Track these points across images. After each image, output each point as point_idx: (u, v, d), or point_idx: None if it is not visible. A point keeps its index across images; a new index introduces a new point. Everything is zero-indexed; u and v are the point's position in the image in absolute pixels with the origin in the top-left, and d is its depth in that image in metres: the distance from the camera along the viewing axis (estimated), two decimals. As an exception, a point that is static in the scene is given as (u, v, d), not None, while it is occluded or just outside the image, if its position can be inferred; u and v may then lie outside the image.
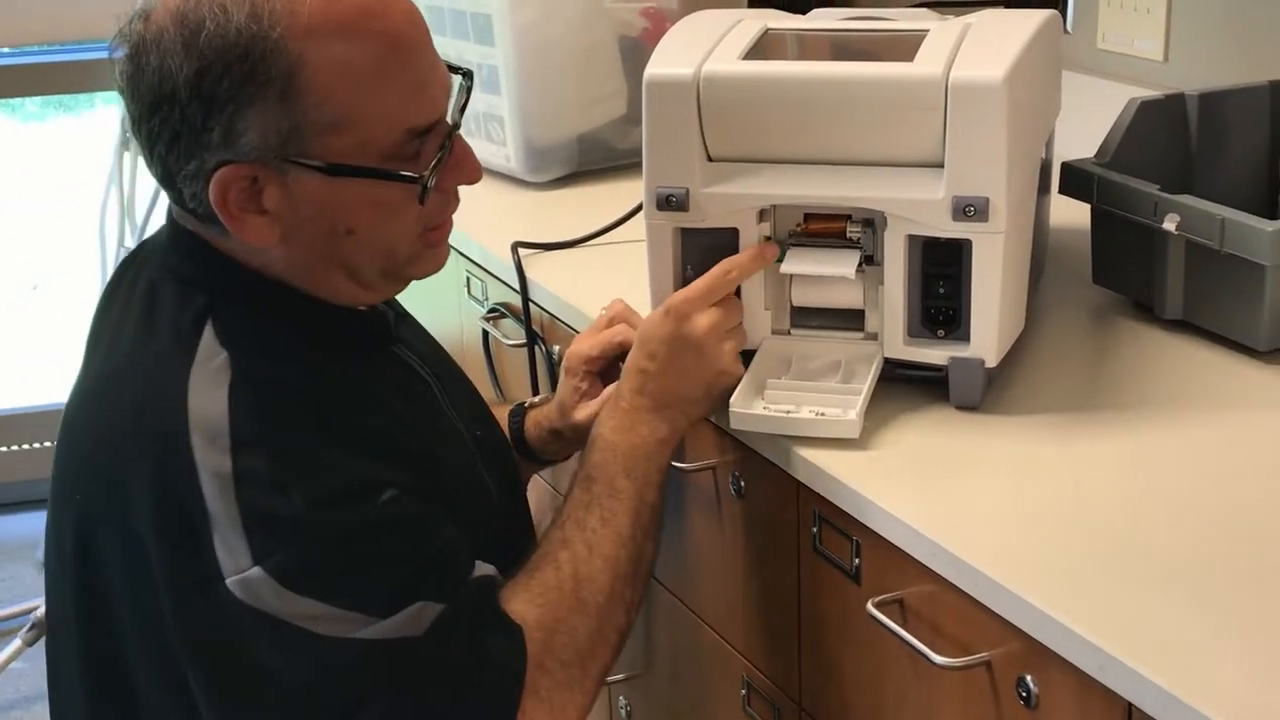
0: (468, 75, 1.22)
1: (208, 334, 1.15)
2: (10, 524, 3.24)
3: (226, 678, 1.12)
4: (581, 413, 1.42)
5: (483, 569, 1.19)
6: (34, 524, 3.17)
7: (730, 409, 1.29)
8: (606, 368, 1.42)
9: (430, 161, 1.16)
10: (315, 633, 1.09)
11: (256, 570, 1.08)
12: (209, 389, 1.12)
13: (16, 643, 2.70)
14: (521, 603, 1.18)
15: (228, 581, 1.08)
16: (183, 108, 1.10)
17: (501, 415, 1.52)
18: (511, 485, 1.40)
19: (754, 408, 1.29)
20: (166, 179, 1.16)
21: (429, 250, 1.23)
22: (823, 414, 1.27)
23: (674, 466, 1.45)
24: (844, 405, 1.27)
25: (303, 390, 1.16)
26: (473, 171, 1.21)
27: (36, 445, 3.26)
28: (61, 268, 3.48)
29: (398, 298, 1.40)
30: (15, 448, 3.28)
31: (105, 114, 3.31)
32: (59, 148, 3.57)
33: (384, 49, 1.13)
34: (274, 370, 1.15)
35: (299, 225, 1.15)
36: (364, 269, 1.19)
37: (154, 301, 1.19)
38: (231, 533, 1.09)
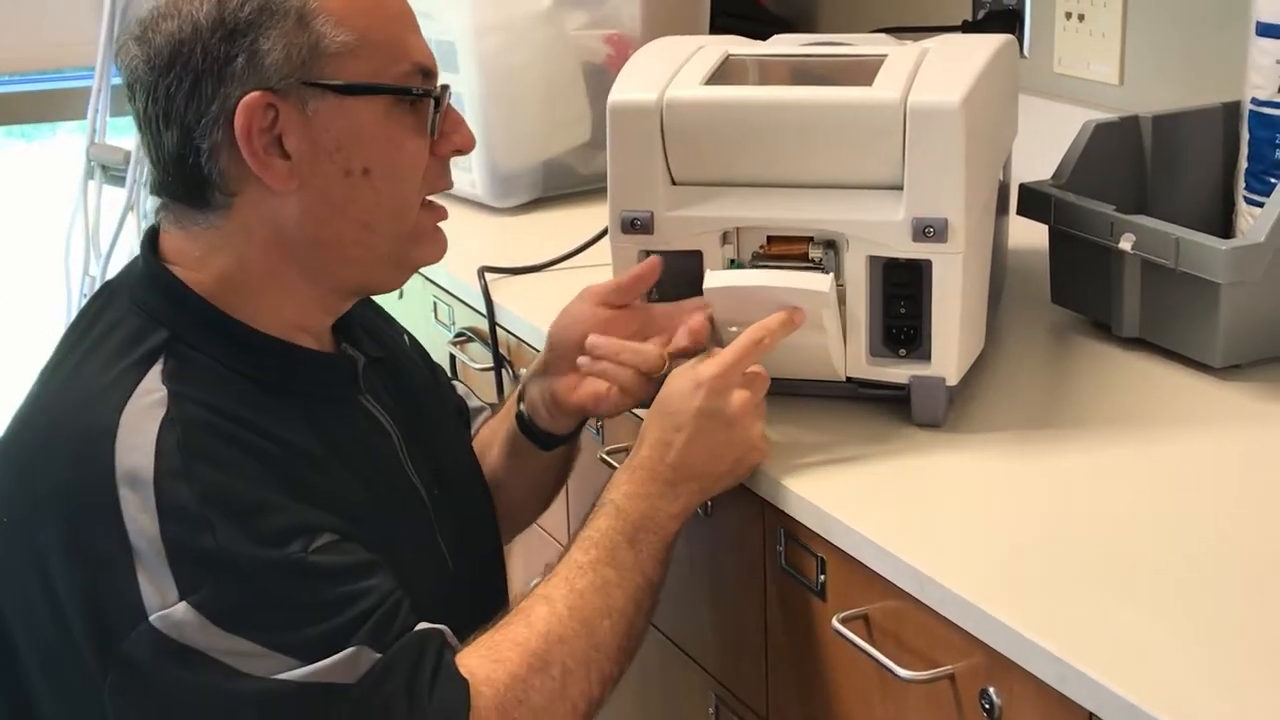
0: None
1: (155, 370, 1.14)
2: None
3: (151, 716, 1.09)
4: (576, 397, 1.38)
5: (429, 625, 1.15)
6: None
7: (705, 282, 1.30)
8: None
9: (434, 95, 1.21)
10: (242, 670, 1.07)
11: (182, 605, 1.06)
12: (139, 424, 1.10)
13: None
14: (475, 657, 1.14)
15: (152, 618, 1.06)
16: (205, 44, 1.14)
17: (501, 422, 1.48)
18: (471, 546, 1.37)
19: (727, 278, 1.31)
20: (184, 141, 1.16)
21: (432, 231, 1.26)
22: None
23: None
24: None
25: (242, 431, 1.14)
26: (467, 138, 1.25)
27: None
28: (21, 296, 3.46)
29: (376, 342, 1.37)
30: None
31: (66, 142, 3.31)
32: (17, 176, 3.55)
33: None
34: (214, 410, 1.13)
35: (317, 164, 1.17)
36: (378, 228, 1.20)
37: (111, 332, 1.19)
38: (157, 568, 1.07)
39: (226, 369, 1.17)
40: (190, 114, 1.16)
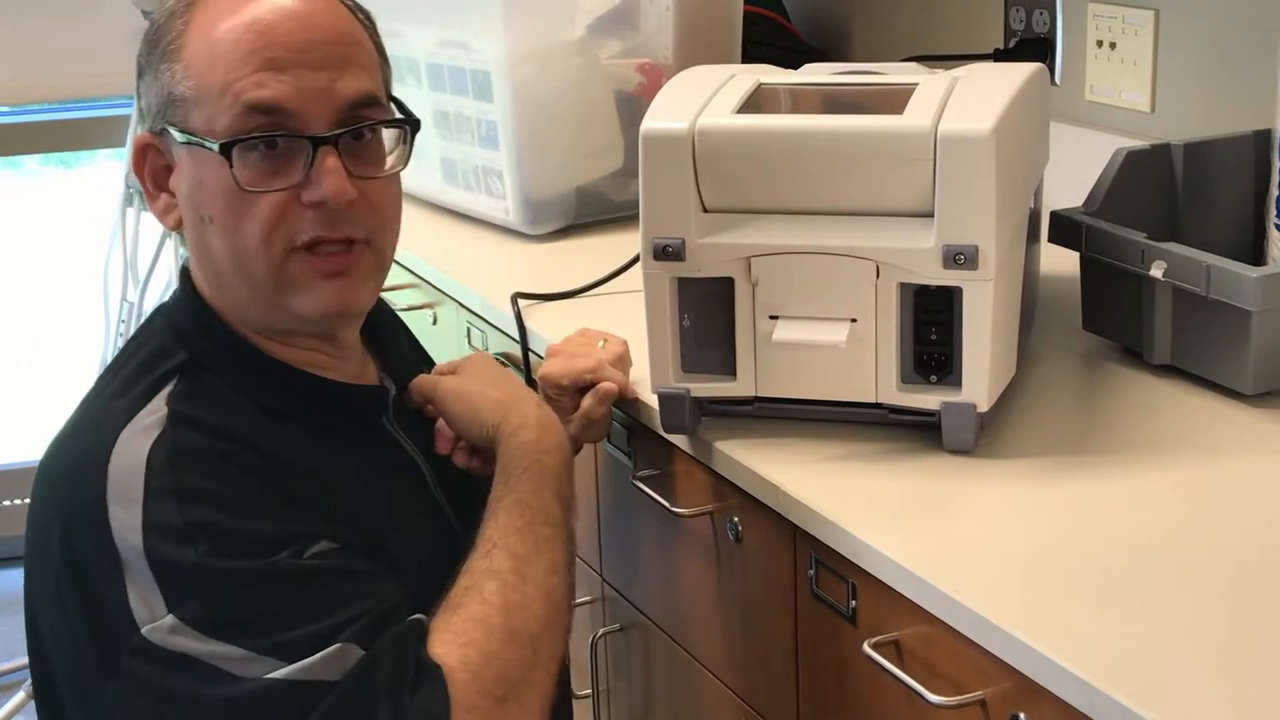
0: (415, 124, 1.24)
1: (164, 391, 1.17)
2: (11, 578, 3.25)
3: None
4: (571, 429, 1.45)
5: (414, 617, 1.14)
6: (35, 578, 3.20)
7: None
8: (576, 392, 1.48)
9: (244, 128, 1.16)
10: (233, 674, 1.08)
11: (170, 618, 1.09)
12: (134, 444, 1.13)
13: (20, 695, 2.71)
14: (444, 645, 1.12)
15: (143, 630, 1.09)
16: (136, 79, 1.24)
17: None
18: None
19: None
20: None
21: (306, 281, 1.19)
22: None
23: (672, 513, 1.48)
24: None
25: (241, 451, 1.15)
26: (331, 190, 1.17)
27: (38, 499, 3.28)
28: (61, 322, 3.50)
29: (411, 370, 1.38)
30: (16, 502, 3.30)
31: (105, 169, 3.34)
32: (58, 203, 3.60)
33: (246, 26, 1.18)
34: (213, 431, 1.15)
35: (185, 208, 1.21)
36: (233, 274, 1.20)
37: (137, 353, 1.22)
38: (144, 583, 1.09)
39: (240, 395, 1.19)
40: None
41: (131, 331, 2.97)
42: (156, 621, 1.09)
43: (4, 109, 3.19)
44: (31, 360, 3.60)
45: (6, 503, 3.30)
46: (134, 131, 3.02)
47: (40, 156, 3.60)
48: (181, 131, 1.18)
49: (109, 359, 3.07)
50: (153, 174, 1.22)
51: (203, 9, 1.19)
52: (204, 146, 1.17)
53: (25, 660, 3.00)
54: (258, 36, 1.18)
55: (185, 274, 1.26)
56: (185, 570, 1.09)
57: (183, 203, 1.21)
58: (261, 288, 1.20)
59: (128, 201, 3.06)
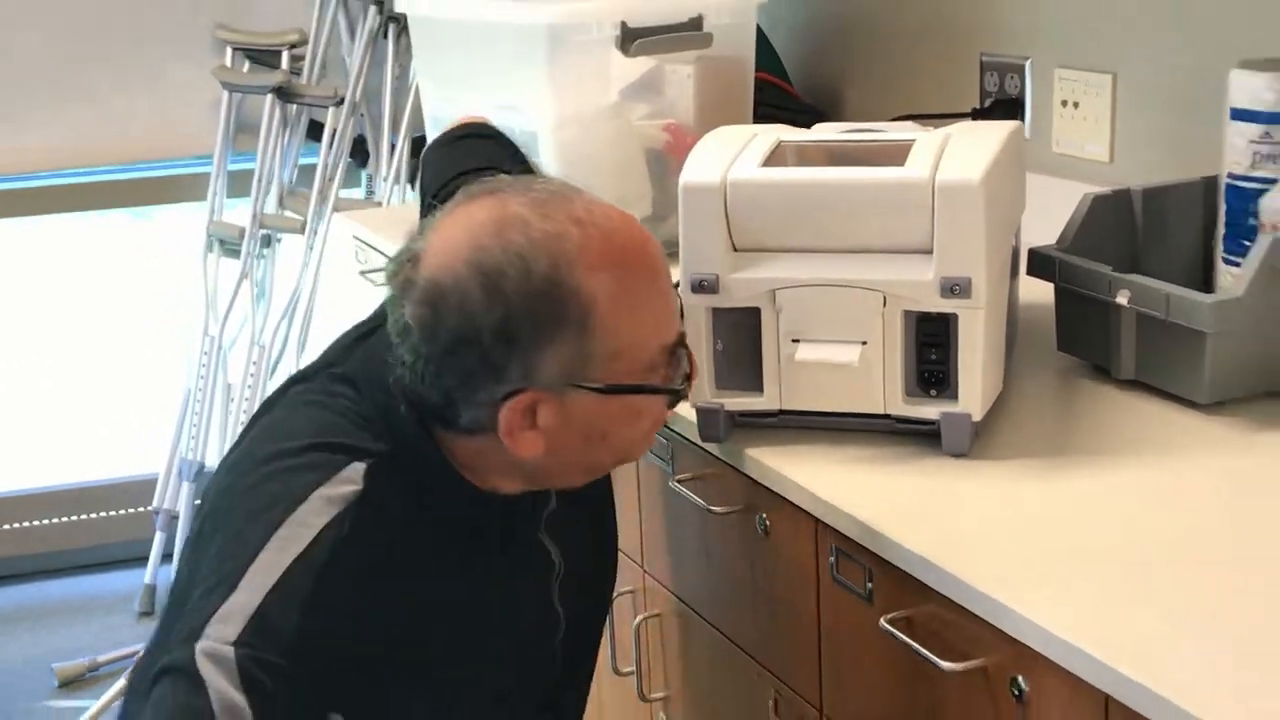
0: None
1: (360, 465, 1.13)
2: (108, 581, 3.27)
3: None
4: None
5: None
6: (128, 581, 3.22)
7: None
8: None
9: (678, 370, 1.19)
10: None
11: (230, 649, 1.04)
12: (318, 509, 1.11)
13: (121, 682, 2.74)
14: None
15: (200, 643, 1.04)
16: (485, 350, 1.10)
17: None
18: (585, 658, 1.43)
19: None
20: (446, 403, 1.13)
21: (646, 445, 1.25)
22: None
23: (709, 511, 1.51)
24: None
25: (385, 572, 1.13)
26: (694, 373, 1.23)
27: (129, 511, 3.31)
28: (147, 352, 3.52)
29: None
30: (110, 514, 3.33)
31: (171, 217, 3.37)
32: (135, 246, 3.62)
33: (647, 279, 1.15)
34: (375, 548, 1.12)
35: (564, 437, 1.14)
36: (603, 467, 1.24)
37: (353, 402, 1.18)
38: (238, 610, 1.05)
39: (416, 500, 1.16)
40: (457, 393, 1.12)
41: (214, 363, 3.04)
42: (216, 643, 1.04)
43: (96, 169, 3.24)
44: (121, 382, 3.61)
45: (100, 515, 3.33)
46: (216, 185, 3.07)
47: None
48: (600, 383, 1.12)
49: (193, 387, 3.11)
50: (518, 422, 1.12)
51: (591, 274, 1.10)
52: (655, 393, 1.16)
53: (122, 651, 3.00)
54: (653, 282, 1.15)
55: (399, 383, 1.15)
56: (276, 631, 1.06)
57: (564, 431, 1.14)
58: (620, 462, 1.24)
59: (209, 248, 3.11)
